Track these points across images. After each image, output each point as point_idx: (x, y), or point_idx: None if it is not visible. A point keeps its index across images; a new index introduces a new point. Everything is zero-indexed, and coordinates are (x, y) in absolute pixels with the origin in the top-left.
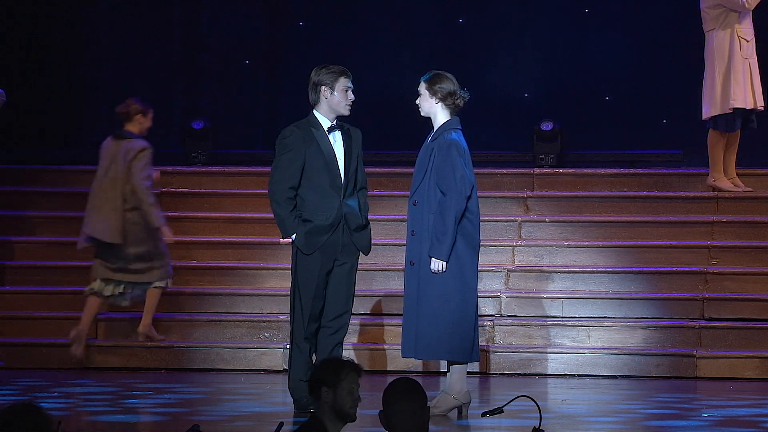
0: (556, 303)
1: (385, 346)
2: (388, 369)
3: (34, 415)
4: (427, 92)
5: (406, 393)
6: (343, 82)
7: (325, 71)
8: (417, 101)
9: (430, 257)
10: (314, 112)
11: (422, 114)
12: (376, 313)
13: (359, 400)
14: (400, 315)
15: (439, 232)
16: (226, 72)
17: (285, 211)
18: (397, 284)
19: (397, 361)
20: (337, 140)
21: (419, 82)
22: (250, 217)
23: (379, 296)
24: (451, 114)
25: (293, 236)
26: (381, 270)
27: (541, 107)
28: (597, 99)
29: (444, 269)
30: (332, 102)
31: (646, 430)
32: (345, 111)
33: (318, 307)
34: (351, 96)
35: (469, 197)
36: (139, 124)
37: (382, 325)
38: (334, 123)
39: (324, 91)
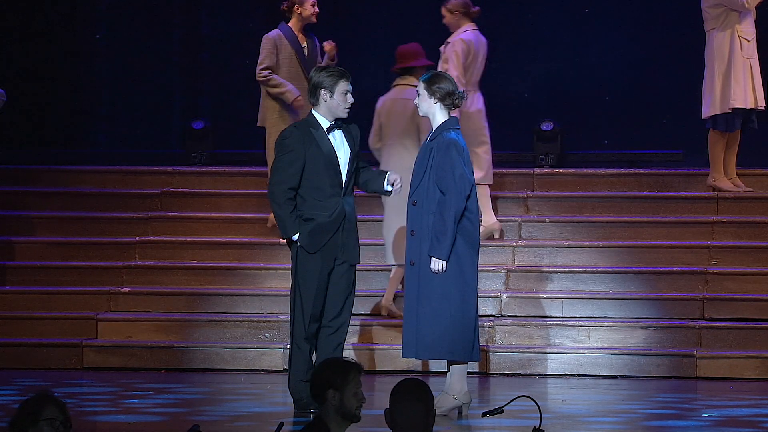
0: (556, 303)
1: (385, 346)
2: (388, 369)
3: (55, 402)
4: (425, 92)
5: (413, 394)
6: (343, 86)
7: (324, 74)
8: (415, 101)
9: (430, 257)
10: (313, 112)
11: (420, 114)
12: (376, 313)
13: (364, 400)
14: (400, 315)
15: (438, 232)
16: (226, 72)
17: (285, 212)
18: None
19: (397, 361)
20: (337, 139)
21: (418, 83)
22: (250, 217)
23: (379, 296)
24: (450, 114)
25: (294, 237)
26: (381, 270)
27: (541, 107)
28: (597, 99)
29: (444, 269)
30: (331, 105)
31: (646, 430)
32: (343, 114)
33: (319, 308)
34: (350, 99)
35: (468, 196)
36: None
37: (382, 325)
38: (333, 123)
39: (323, 94)
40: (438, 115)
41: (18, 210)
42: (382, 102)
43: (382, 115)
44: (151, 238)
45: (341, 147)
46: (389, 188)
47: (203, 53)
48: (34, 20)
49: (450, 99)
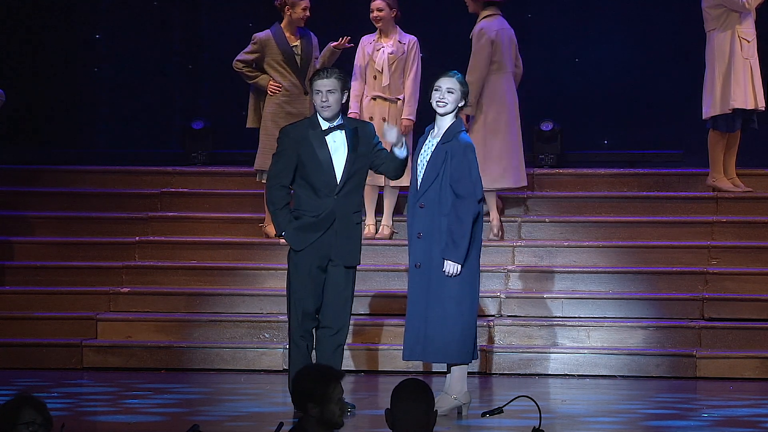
0: (556, 303)
1: (385, 347)
2: (387, 369)
3: (33, 405)
4: (460, 93)
5: (414, 394)
6: (313, 85)
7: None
8: (444, 97)
9: (444, 260)
10: (317, 113)
11: (442, 112)
12: (376, 313)
13: (346, 408)
14: (400, 315)
15: (456, 235)
16: (226, 72)
17: (276, 208)
18: (396, 284)
19: (396, 362)
20: (337, 140)
21: (450, 78)
22: (249, 217)
23: (379, 296)
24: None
25: (282, 233)
26: (381, 270)
27: (541, 107)
28: (597, 99)
29: (458, 272)
30: (315, 106)
31: (646, 430)
32: (321, 113)
33: (311, 305)
34: (322, 97)
35: (481, 200)
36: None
37: (382, 325)
38: (334, 124)
39: (312, 95)
40: (452, 116)
41: (18, 210)
42: (496, 32)
43: (502, 45)
44: (151, 238)
45: (340, 148)
46: (399, 151)
47: (203, 53)
48: (33, 20)
49: (465, 103)
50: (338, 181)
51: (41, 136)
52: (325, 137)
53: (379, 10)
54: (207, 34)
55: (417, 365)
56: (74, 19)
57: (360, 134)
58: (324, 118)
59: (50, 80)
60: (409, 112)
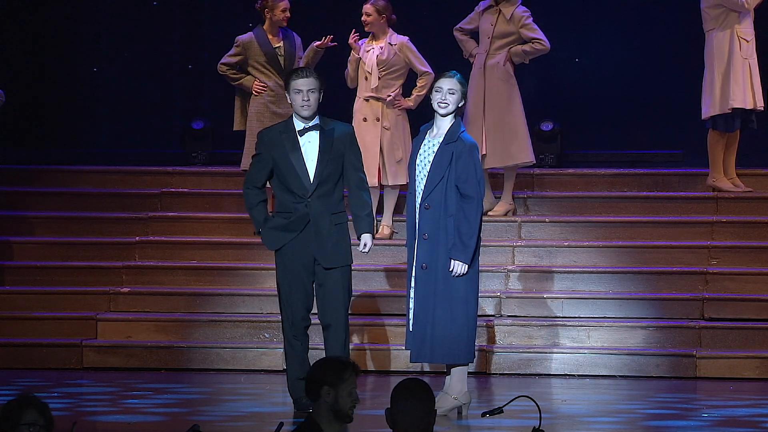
0: (556, 303)
1: (385, 347)
2: (387, 369)
3: (36, 406)
4: (460, 93)
5: (414, 394)
6: (292, 84)
7: (286, 76)
8: (445, 98)
9: (452, 260)
10: (293, 114)
11: (443, 113)
12: (376, 313)
13: (358, 401)
14: (400, 315)
15: (465, 236)
16: None
17: (251, 206)
18: (396, 284)
19: (396, 361)
20: (311, 141)
21: (450, 79)
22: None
23: (379, 296)
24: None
25: (259, 231)
26: (381, 270)
27: (541, 107)
28: (597, 99)
29: (466, 272)
30: (293, 105)
31: (646, 430)
32: (301, 112)
33: (300, 306)
34: (303, 96)
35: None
36: None
37: (382, 325)
38: (309, 124)
39: (287, 97)
40: (451, 117)
41: (17, 210)
42: None
43: None
44: (151, 238)
45: (314, 150)
46: (361, 247)
47: (203, 53)
48: (34, 20)
49: (465, 103)
50: (311, 183)
51: (41, 136)
52: (299, 139)
53: (367, 14)
54: (207, 34)
55: (416, 365)
56: (74, 19)
57: (336, 135)
58: (303, 117)
59: (50, 80)
60: (413, 97)
